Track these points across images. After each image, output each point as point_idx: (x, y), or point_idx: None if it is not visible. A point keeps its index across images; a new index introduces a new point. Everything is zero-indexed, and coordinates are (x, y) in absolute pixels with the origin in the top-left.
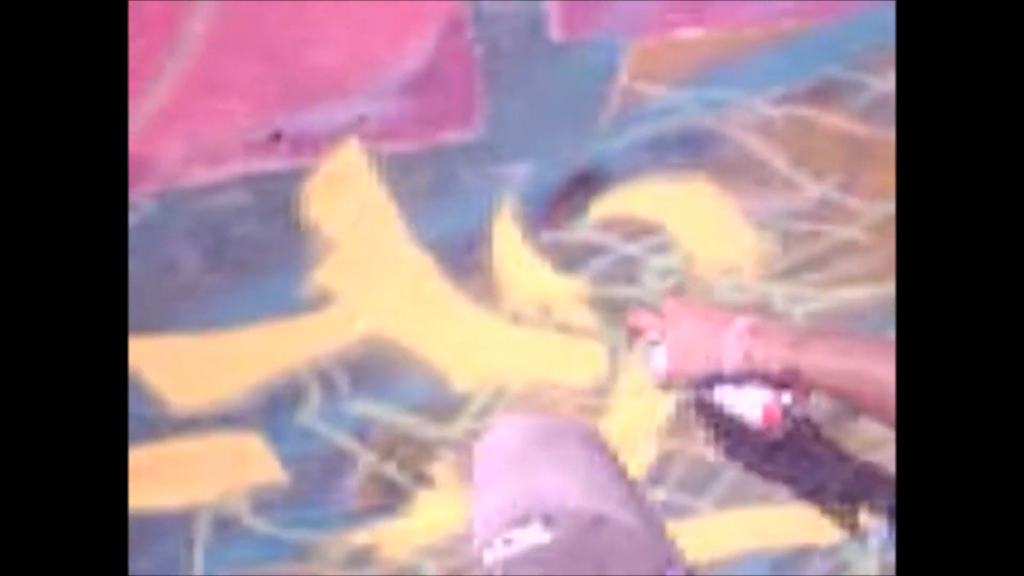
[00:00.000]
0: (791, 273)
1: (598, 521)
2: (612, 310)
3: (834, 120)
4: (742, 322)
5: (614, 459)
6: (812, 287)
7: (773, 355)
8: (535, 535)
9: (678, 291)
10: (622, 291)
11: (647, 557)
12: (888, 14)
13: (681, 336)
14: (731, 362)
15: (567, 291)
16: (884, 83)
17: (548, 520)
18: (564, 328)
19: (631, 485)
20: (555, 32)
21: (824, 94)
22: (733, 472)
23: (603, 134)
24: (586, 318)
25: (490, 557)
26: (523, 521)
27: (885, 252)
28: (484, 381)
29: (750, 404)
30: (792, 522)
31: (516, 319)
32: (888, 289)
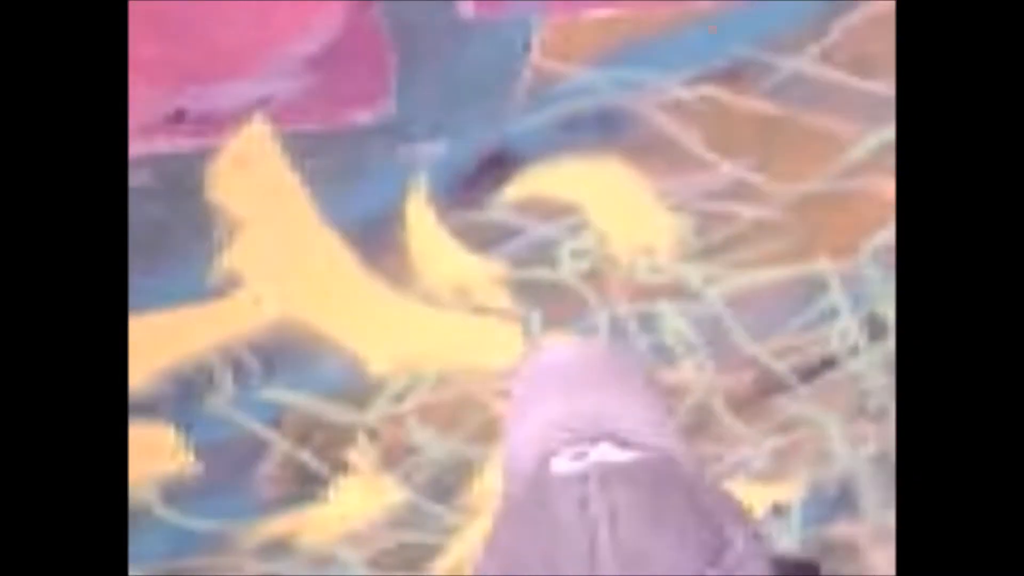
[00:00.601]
0: (707, 253)
1: (670, 461)
2: (528, 292)
3: (747, 101)
4: None
5: (666, 398)
6: (728, 267)
7: None
8: (611, 453)
9: (594, 272)
10: (538, 272)
11: (723, 510)
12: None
13: None
14: None
15: (483, 273)
16: (795, 63)
17: (623, 443)
18: (480, 310)
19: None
20: (465, 10)
21: (736, 75)
22: None
23: (516, 114)
24: (502, 300)
25: (562, 467)
26: (593, 440)
27: (801, 232)
28: (400, 364)
29: None
30: None
31: (431, 301)
32: (804, 268)
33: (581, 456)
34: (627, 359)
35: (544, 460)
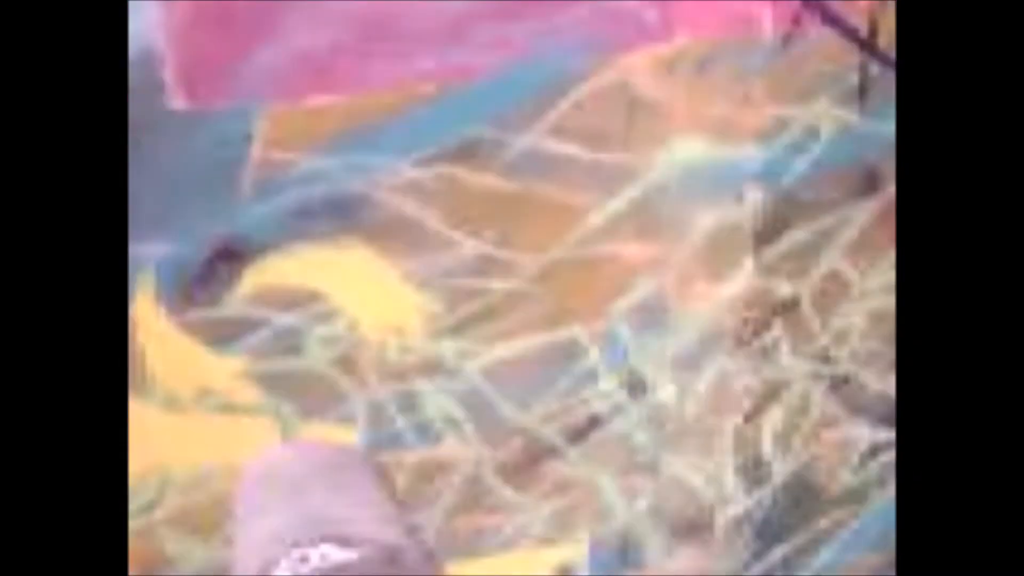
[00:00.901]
0: (459, 329)
1: (396, 551)
2: (278, 384)
3: (482, 178)
4: None
5: (394, 490)
6: (481, 341)
7: None
8: (334, 553)
9: (345, 358)
10: (286, 363)
11: None
12: (522, 74)
13: None
14: None
15: (225, 370)
16: (525, 139)
17: (344, 542)
18: (227, 408)
19: (413, 520)
20: (176, 101)
21: (469, 153)
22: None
23: (243, 205)
24: (249, 395)
25: (284, 570)
26: (314, 543)
27: (549, 300)
28: (146, 474)
29: None
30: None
31: (173, 405)
32: (558, 334)
33: (304, 561)
34: (350, 456)
35: (266, 570)
